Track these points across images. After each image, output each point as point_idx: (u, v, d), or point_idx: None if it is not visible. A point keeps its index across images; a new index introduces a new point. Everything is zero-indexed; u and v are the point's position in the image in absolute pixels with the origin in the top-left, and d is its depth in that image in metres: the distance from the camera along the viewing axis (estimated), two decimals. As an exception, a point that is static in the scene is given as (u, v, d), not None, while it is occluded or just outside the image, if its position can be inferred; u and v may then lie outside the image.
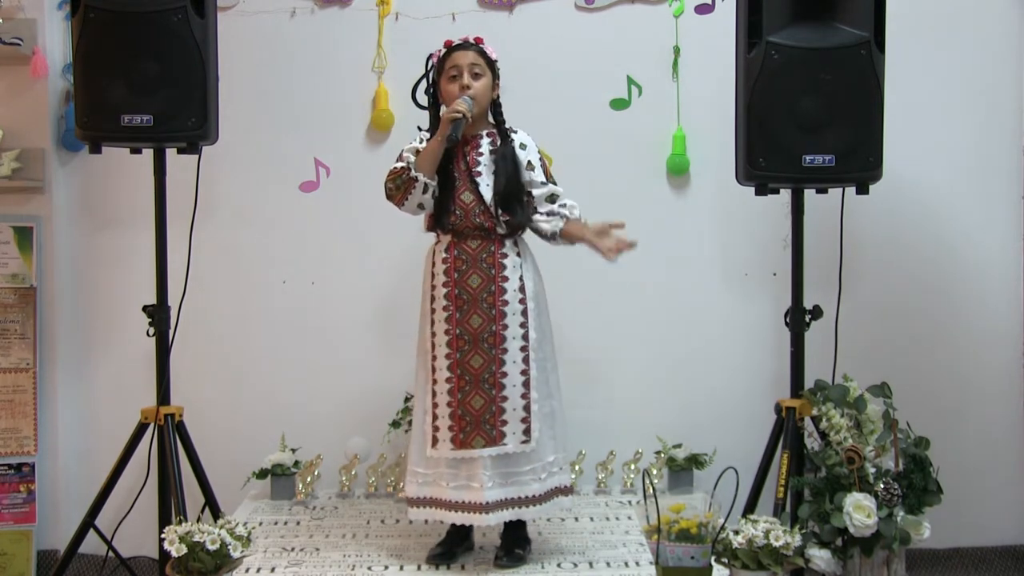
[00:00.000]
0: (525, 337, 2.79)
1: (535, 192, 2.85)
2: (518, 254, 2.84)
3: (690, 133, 3.55)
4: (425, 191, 2.77)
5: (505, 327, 2.78)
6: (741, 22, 2.92)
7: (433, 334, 2.81)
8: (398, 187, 2.79)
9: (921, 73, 3.49)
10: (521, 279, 2.81)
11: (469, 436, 2.75)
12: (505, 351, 2.77)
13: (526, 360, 2.79)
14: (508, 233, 2.82)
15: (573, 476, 3.46)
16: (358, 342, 3.59)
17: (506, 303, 2.78)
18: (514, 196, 2.81)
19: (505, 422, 2.76)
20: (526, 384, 2.78)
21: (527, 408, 2.77)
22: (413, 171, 2.76)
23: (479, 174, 2.80)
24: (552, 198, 2.86)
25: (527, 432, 2.77)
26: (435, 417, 2.79)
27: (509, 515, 2.76)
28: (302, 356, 3.59)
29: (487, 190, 2.79)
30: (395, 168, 2.81)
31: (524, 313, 2.80)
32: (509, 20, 3.57)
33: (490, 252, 2.80)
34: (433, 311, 2.82)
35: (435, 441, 2.78)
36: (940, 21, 3.52)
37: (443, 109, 2.84)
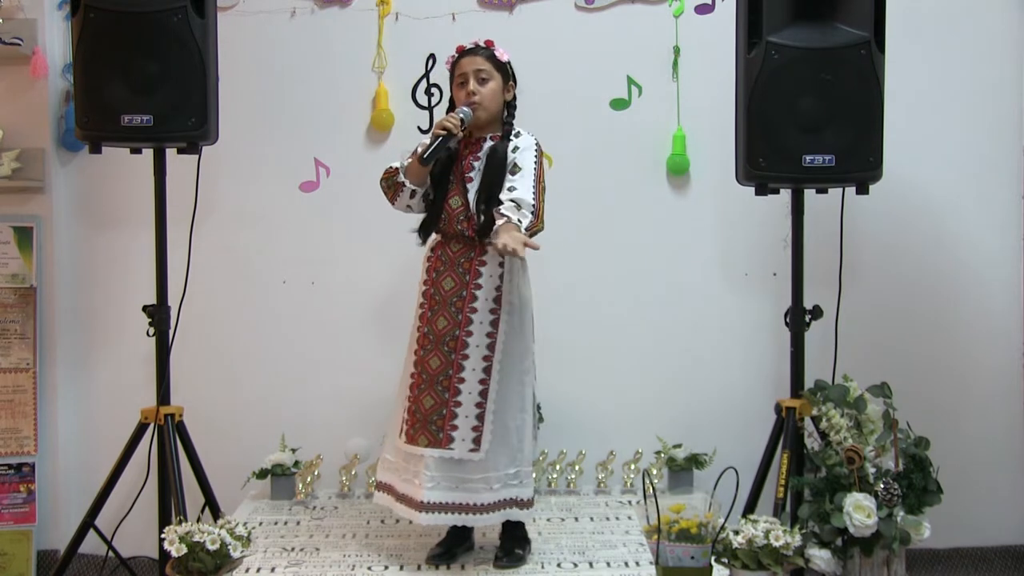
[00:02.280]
0: (490, 348, 2.75)
1: (502, 195, 2.68)
2: (501, 264, 2.77)
3: (690, 133, 3.54)
4: (412, 196, 2.80)
5: (469, 333, 2.75)
6: (741, 22, 2.92)
7: (417, 330, 2.84)
8: (388, 187, 2.84)
9: (921, 73, 3.49)
10: (498, 289, 2.76)
11: (416, 433, 2.76)
12: (466, 357, 2.75)
13: (487, 370, 2.75)
14: (479, 235, 2.74)
15: (573, 476, 3.46)
16: (358, 342, 3.59)
17: (474, 310, 2.75)
18: (492, 198, 2.72)
19: (455, 427, 2.74)
20: (483, 394, 2.74)
21: (480, 417, 2.74)
22: (401, 175, 2.79)
23: (470, 179, 2.78)
24: (513, 201, 2.65)
25: (477, 441, 2.74)
26: (403, 409, 2.82)
27: (451, 519, 2.74)
28: (302, 356, 3.60)
29: (474, 196, 2.77)
30: (389, 168, 2.84)
31: (494, 324, 2.76)
32: (509, 20, 3.56)
33: (469, 257, 2.77)
34: (419, 307, 2.84)
35: (400, 432, 2.82)
36: (940, 21, 3.52)
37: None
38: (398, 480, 2.82)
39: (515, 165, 2.74)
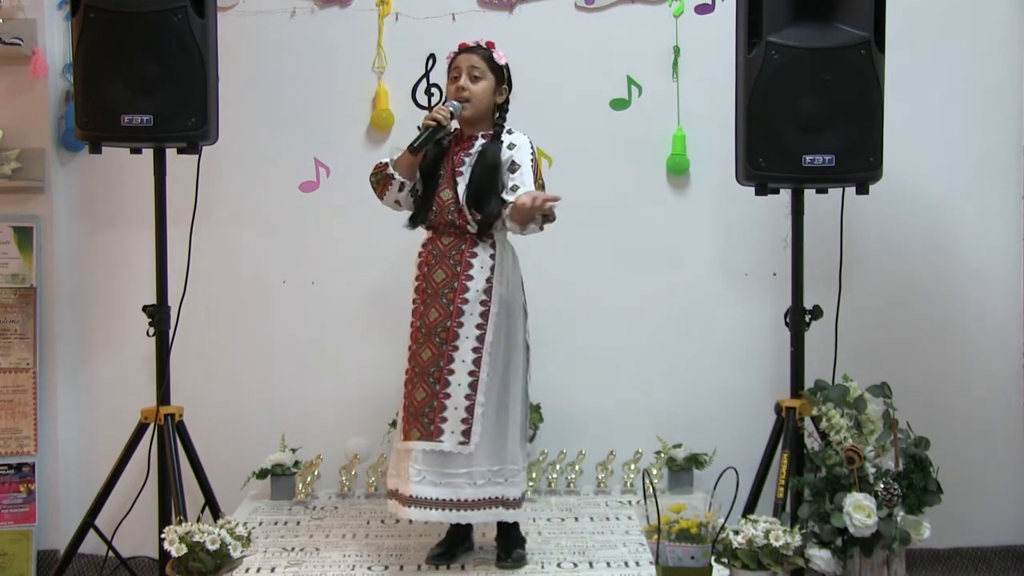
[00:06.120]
0: (480, 339, 2.75)
1: (506, 196, 2.73)
2: (492, 256, 2.79)
3: (690, 133, 3.54)
4: (401, 189, 2.80)
5: (460, 324, 2.75)
6: (741, 22, 2.92)
7: (410, 325, 2.84)
8: (377, 181, 2.85)
9: (921, 73, 3.49)
10: (489, 281, 2.77)
11: (410, 428, 2.76)
12: (455, 348, 2.75)
13: (476, 362, 2.74)
14: (479, 231, 2.78)
15: (573, 476, 3.46)
16: (358, 342, 3.59)
17: (465, 301, 2.76)
18: (485, 194, 2.75)
19: (444, 419, 2.73)
20: (472, 386, 2.74)
21: (469, 409, 2.73)
22: (390, 168, 2.80)
23: (460, 173, 2.79)
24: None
25: (466, 434, 2.73)
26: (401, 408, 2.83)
27: (437, 516, 2.71)
28: (302, 356, 3.60)
29: (464, 191, 2.77)
30: (379, 163, 2.85)
31: (484, 315, 2.76)
32: (509, 20, 3.56)
33: (459, 249, 2.79)
34: (412, 303, 2.84)
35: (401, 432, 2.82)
36: (940, 21, 3.52)
37: None
38: (393, 478, 2.81)
39: (513, 163, 2.77)
